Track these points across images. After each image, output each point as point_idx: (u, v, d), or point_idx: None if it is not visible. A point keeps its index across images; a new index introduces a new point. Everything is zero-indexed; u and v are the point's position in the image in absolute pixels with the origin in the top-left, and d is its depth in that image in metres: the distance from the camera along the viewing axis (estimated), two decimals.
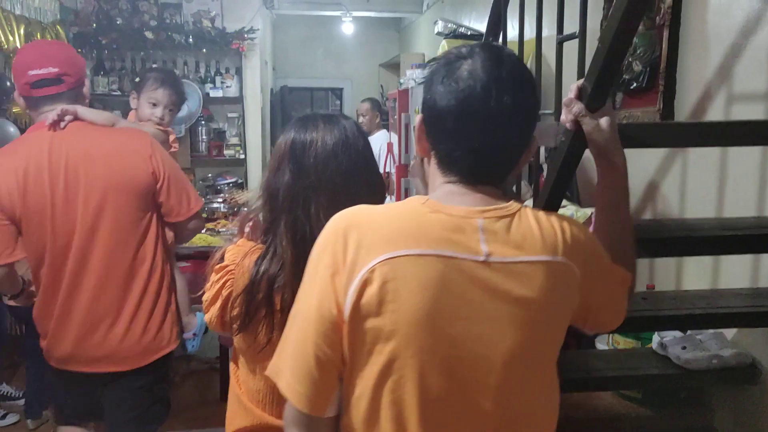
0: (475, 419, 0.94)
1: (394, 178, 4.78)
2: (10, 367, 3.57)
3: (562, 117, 1.12)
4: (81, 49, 5.22)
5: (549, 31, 1.67)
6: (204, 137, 5.71)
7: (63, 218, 1.81)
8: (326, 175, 1.20)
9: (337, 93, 9.00)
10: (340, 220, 0.98)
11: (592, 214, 2.08)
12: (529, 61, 2.92)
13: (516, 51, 1.76)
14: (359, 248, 0.92)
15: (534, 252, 0.95)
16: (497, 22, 1.82)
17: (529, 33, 1.93)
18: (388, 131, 5.16)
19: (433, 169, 1.02)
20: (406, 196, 4.31)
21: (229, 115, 5.87)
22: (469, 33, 4.20)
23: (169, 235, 2.02)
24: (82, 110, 1.86)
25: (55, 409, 2.17)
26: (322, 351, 0.93)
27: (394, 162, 4.77)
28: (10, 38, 3.85)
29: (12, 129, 3.44)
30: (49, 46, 2.15)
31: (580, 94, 1.11)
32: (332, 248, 0.94)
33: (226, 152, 5.81)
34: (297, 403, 0.95)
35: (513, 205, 0.98)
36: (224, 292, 1.26)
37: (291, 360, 0.96)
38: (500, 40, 1.80)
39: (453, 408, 0.94)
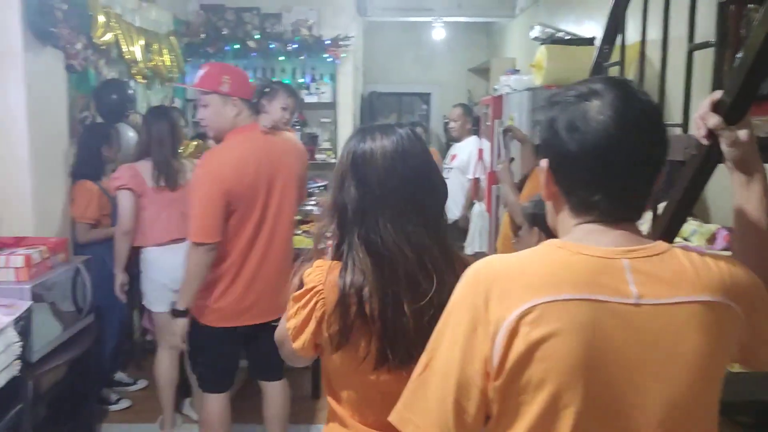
0: None
1: (484, 184, 4.79)
2: (126, 355, 3.84)
3: (695, 131, 1.09)
4: (190, 59, 5.56)
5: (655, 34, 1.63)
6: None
7: (265, 200, 2.41)
8: (389, 185, 1.21)
9: (425, 98, 9.07)
10: (477, 271, 0.94)
11: (717, 230, 2.01)
12: (637, 66, 2.85)
13: (635, 55, 1.74)
14: (501, 299, 0.89)
15: (689, 292, 0.90)
16: (615, 26, 1.81)
17: (634, 37, 1.90)
18: (478, 137, 5.17)
19: (564, 213, 0.99)
20: (497, 203, 4.31)
21: (322, 120, 6.06)
22: (567, 38, 4.14)
23: None
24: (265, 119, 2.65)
25: (201, 376, 2.61)
26: (463, 409, 0.90)
27: (485, 168, 4.78)
28: (131, 49, 4.16)
29: (131, 134, 3.72)
30: (229, 67, 2.66)
31: (717, 107, 1.06)
32: (471, 301, 0.91)
33: (317, 156, 6.00)
34: None
35: (660, 243, 0.94)
36: (317, 314, 1.23)
37: (426, 415, 0.92)
38: (621, 43, 1.77)
39: None
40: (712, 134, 1.06)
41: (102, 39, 3.70)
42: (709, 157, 1.12)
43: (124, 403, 3.53)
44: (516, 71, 4.59)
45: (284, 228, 2.51)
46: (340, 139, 6.08)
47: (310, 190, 5.53)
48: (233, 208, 2.35)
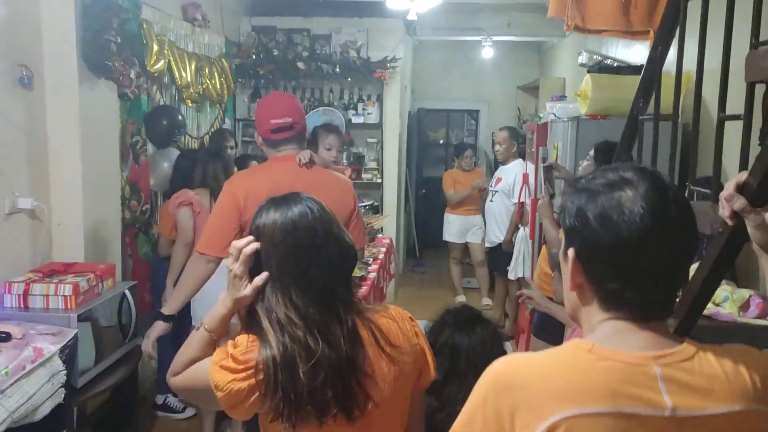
0: None
1: (528, 208, 4.73)
2: None
3: (721, 211, 1.06)
4: (241, 79, 5.70)
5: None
6: (344, 161, 5.98)
7: None
8: (275, 259, 1.29)
9: (474, 115, 9.03)
10: (503, 375, 0.90)
11: (750, 297, 1.92)
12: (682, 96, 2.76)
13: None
14: (528, 409, 0.85)
15: (725, 401, 0.87)
16: (651, 79, 1.77)
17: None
18: (524, 160, 5.11)
19: (590, 306, 0.95)
20: (540, 229, 4.24)
21: (369, 140, 6.11)
22: (615, 65, 4.06)
23: None
24: (314, 155, 2.42)
25: None
26: None
27: (530, 193, 4.72)
28: (183, 74, 4.30)
29: (166, 164, 3.86)
30: (284, 100, 2.58)
31: (742, 188, 1.03)
32: (495, 409, 0.87)
33: (364, 176, 6.05)
34: None
35: (688, 347, 0.91)
36: (252, 390, 1.27)
37: None
38: (656, 99, 1.74)
39: None
40: (737, 215, 1.03)
41: (155, 67, 3.84)
42: (736, 235, 1.07)
43: (189, 412, 3.66)
44: (563, 97, 4.51)
45: None
46: (386, 159, 6.12)
47: None
48: (243, 228, 2.25)
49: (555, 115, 4.04)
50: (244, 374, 1.23)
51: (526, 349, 3.99)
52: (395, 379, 1.29)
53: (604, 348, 0.89)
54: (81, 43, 2.98)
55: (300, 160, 2.36)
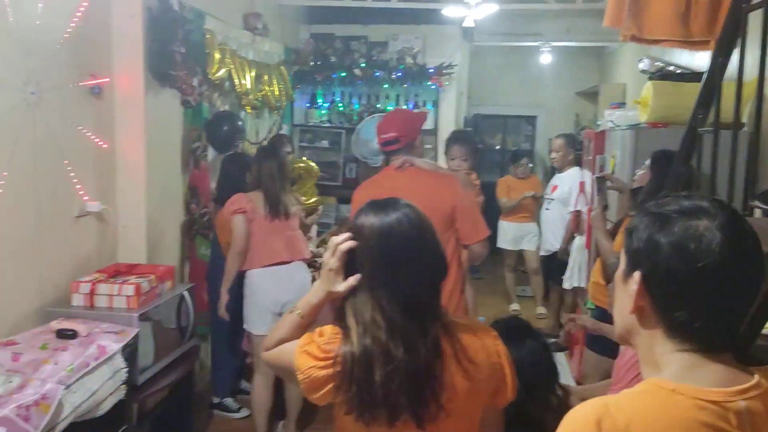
0: None
1: (585, 217, 4.64)
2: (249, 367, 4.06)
3: None
4: (299, 86, 5.81)
5: None
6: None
7: None
8: (369, 261, 1.32)
9: (531, 121, 8.91)
10: (589, 417, 0.89)
11: None
12: (749, 104, 2.65)
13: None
14: None
15: None
16: (710, 92, 1.72)
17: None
18: (581, 168, 5.01)
19: (652, 333, 0.94)
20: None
21: (424, 146, 6.11)
22: (678, 72, 3.93)
23: (464, 253, 2.64)
24: (416, 160, 2.65)
25: None
26: None
27: (587, 201, 4.63)
28: (243, 81, 4.43)
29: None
30: (394, 117, 2.95)
31: None
32: None
33: None
34: None
35: (760, 379, 0.90)
36: (329, 379, 1.33)
37: None
38: (716, 113, 1.69)
39: None
40: None
41: (216, 75, 3.97)
42: None
43: (244, 412, 3.77)
44: (622, 104, 4.41)
45: None
46: (442, 165, 6.10)
47: None
48: None
49: (613, 123, 3.95)
50: (323, 363, 1.30)
51: (581, 360, 3.90)
52: (468, 393, 1.31)
53: (685, 386, 0.88)
54: (148, 53, 3.12)
55: (395, 166, 2.64)
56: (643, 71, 4.14)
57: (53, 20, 2.63)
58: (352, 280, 1.33)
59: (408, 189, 2.21)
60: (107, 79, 2.99)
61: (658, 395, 0.89)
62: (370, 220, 1.35)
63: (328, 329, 1.36)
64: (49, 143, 2.64)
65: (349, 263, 1.35)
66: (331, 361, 1.30)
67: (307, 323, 1.44)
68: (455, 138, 3.90)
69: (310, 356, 1.32)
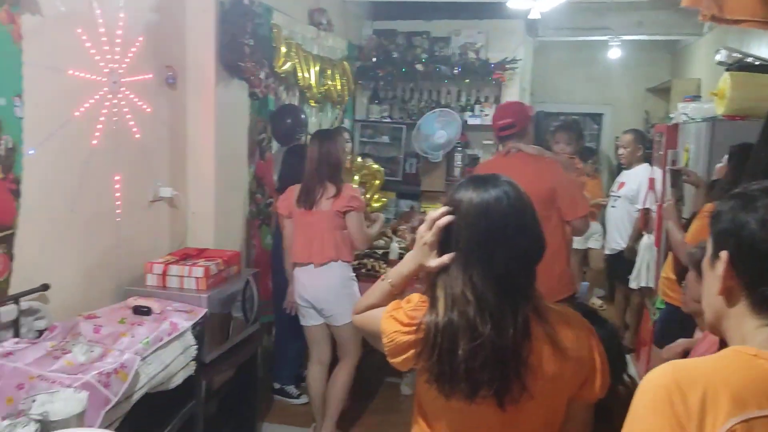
0: None
1: (654, 215, 4.49)
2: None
3: None
4: (361, 81, 5.87)
5: None
6: (459, 162, 5.96)
7: None
8: (465, 237, 1.30)
9: (596, 119, 8.69)
10: (667, 375, 0.92)
11: None
12: None
13: None
14: (708, 409, 0.87)
15: None
16: None
17: None
18: (650, 165, 4.86)
19: (739, 310, 0.97)
20: (667, 236, 4.01)
21: (484, 142, 6.05)
22: (758, 63, 3.75)
23: (567, 229, 3.00)
24: (522, 146, 3.01)
25: None
26: None
27: (656, 198, 4.48)
28: (306, 75, 4.50)
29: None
30: (508, 105, 3.37)
31: None
32: (671, 409, 0.88)
33: None
34: None
35: None
36: (411, 345, 1.35)
37: None
38: None
39: None
40: None
41: (282, 68, 4.06)
42: None
43: (304, 399, 3.84)
44: (697, 97, 4.25)
45: None
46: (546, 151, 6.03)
47: None
48: None
49: (687, 116, 3.81)
50: (407, 329, 1.33)
51: (648, 362, 3.78)
52: (554, 379, 1.30)
53: (767, 352, 0.90)
54: (219, 45, 3.22)
55: (503, 151, 3.02)
56: (720, 63, 3.96)
57: (134, 13, 2.75)
58: (446, 258, 1.32)
59: (512, 171, 2.28)
60: (180, 71, 3.10)
61: (739, 358, 0.92)
62: (469, 195, 1.33)
63: (416, 297, 1.38)
64: (127, 131, 2.77)
65: (444, 237, 1.34)
66: (414, 328, 1.31)
67: (397, 292, 1.47)
68: (561, 126, 4.39)
69: (396, 321, 1.35)
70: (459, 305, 1.27)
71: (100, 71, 2.58)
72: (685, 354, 2.46)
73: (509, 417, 1.29)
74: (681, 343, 2.51)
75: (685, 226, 3.00)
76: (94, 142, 2.56)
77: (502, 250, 1.29)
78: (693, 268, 2.24)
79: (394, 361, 1.37)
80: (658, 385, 0.91)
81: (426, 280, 1.38)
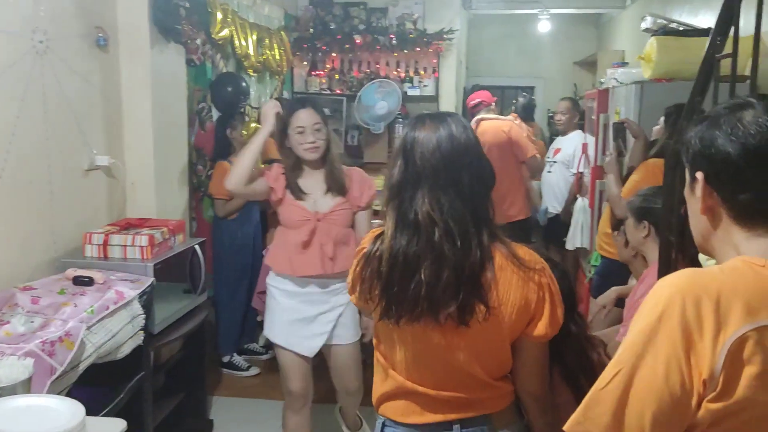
0: None
1: (587, 179, 4.66)
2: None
3: None
4: (299, 53, 5.77)
5: None
6: (400, 134, 5.98)
7: None
8: (431, 163, 1.34)
9: (528, 91, 8.88)
10: (679, 284, 0.93)
11: None
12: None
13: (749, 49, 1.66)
14: (719, 317, 0.88)
15: None
16: (729, 17, 1.72)
17: (749, 29, 1.79)
18: (583, 131, 5.03)
19: (724, 226, 1.00)
20: (600, 198, 4.19)
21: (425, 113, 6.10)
22: (681, 29, 3.94)
23: (524, 168, 4.84)
24: (485, 114, 4.73)
25: None
26: (660, 425, 0.89)
27: (589, 163, 4.65)
28: (244, 43, 4.40)
29: None
30: (479, 91, 5.20)
31: None
32: (680, 318, 0.89)
33: None
34: None
35: None
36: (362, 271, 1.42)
37: (615, 423, 0.90)
38: (735, 35, 1.69)
39: None
40: None
41: (219, 35, 3.94)
42: None
43: (254, 371, 3.85)
44: (624, 64, 4.42)
45: None
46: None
47: None
48: None
49: (617, 81, 3.96)
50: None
51: (586, 315, 3.94)
52: (514, 303, 1.34)
53: None
54: (152, 6, 3.09)
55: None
56: (646, 30, 4.13)
57: None
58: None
59: (483, 129, 4.30)
60: (112, 32, 2.96)
61: (751, 269, 0.93)
62: (430, 124, 1.38)
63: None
64: (57, 94, 2.62)
65: (404, 167, 1.38)
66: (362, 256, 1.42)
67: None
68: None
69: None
70: (422, 228, 1.31)
71: (25, 29, 2.43)
72: (620, 301, 2.59)
73: (463, 338, 1.34)
74: (614, 289, 2.63)
75: (624, 179, 3.14)
76: (22, 104, 2.42)
77: (467, 172, 1.34)
78: (632, 215, 2.36)
79: (352, 297, 1.46)
80: (667, 295, 0.92)
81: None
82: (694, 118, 1.06)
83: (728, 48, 1.73)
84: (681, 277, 0.95)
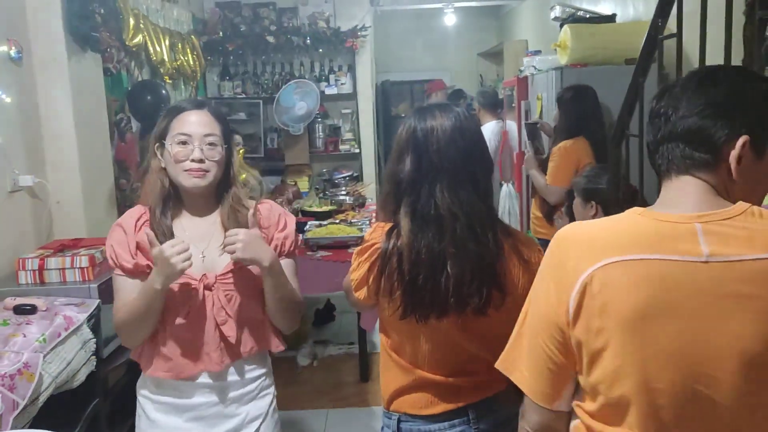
0: (709, 412, 0.95)
1: (507, 165, 4.85)
2: None
3: None
4: (210, 57, 5.60)
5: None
6: (321, 134, 5.97)
7: None
8: (448, 157, 1.33)
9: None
10: (563, 234, 1.06)
11: None
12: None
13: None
14: (579, 258, 1.00)
15: (762, 250, 0.92)
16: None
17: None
18: (501, 120, 5.20)
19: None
20: (528, 182, 4.36)
21: (343, 111, 6.10)
22: (588, 16, 4.16)
23: None
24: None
25: None
26: (552, 353, 1.03)
27: (512, 149, 4.82)
28: (158, 49, 4.22)
29: None
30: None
31: None
32: (558, 259, 1.04)
33: (341, 147, 6.05)
34: (532, 396, 1.07)
35: (738, 205, 0.97)
36: (375, 267, 1.38)
37: (526, 357, 1.07)
38: (678, 16, 1.81)
39: (683, 401, 0.96)
40: None
41: (133, 41, 3.76)
42: None
43: None
44: (537, 52, 4.62)
45: None
46: (362, 129, 6.11)
47: (336, 182, 5.57)
48: None
49: (535, 68, 4.13)
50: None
51: None
52: (521, 291, 1.35)
53: (654, 212, 1.02)
54: (67, 14, 2.90)
55: None
56: (555, 18, 4.34)
57: None
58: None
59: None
60: (25, 44, 2.76)
61: (627, 216, 1.04)
62: (439, 120, 1.36)
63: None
64: None
65: (416, 164, 1.35)
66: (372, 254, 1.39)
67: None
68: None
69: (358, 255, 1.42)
70: (447, 225, 1.31)
71: None
72: None
73: (474, 327, 1.37)
74: None
75: (543, 169, 3.38)
76: None
77: (480, 165, 1.36)
78: (579, 196, 2.48)
79: (359, 294, 1.41)
80: (554, 242, 1.07)
81: (384, 206, 1.41)
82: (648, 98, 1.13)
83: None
84: (567, 228, 1.08)
